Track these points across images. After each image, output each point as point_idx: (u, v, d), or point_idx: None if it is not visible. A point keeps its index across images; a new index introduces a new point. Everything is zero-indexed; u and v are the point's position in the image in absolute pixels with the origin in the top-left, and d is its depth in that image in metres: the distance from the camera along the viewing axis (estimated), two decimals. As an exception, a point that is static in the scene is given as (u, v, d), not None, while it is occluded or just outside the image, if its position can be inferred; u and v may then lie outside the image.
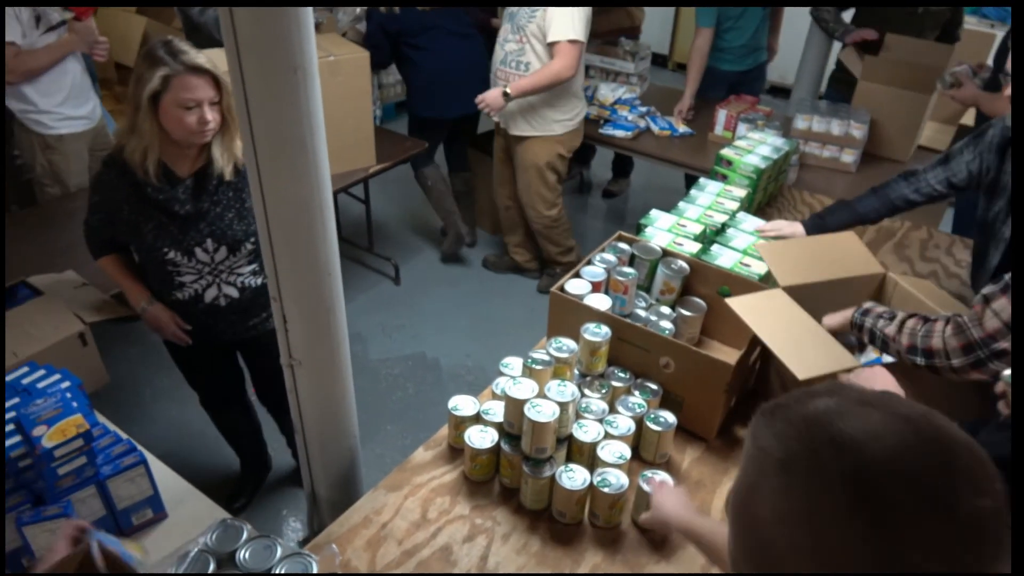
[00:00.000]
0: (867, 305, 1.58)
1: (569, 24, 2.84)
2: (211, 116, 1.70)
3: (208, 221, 1.82)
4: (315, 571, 1.14)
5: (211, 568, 1.14)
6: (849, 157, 3.10)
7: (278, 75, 1.11)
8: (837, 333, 1.61)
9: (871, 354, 1.64)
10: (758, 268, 1.92)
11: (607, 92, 3.70)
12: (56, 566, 1.00)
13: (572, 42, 2.86)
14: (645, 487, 1.40)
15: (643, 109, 3.60)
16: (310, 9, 1.10)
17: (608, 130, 3.47)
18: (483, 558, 1.39)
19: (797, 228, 2.10)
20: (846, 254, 1.89)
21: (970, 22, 4.70)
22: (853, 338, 1.62)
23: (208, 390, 2.28)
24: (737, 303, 1.64)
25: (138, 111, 1.68)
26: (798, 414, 0.58)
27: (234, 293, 1.92)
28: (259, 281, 1.94)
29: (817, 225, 2.08)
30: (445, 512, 1.48)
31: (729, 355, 1.68)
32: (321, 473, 1.66)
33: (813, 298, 1.67)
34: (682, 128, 3.50)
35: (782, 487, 0.56)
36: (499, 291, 3.77)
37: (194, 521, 1.48)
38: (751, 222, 2.16)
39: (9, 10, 2.44)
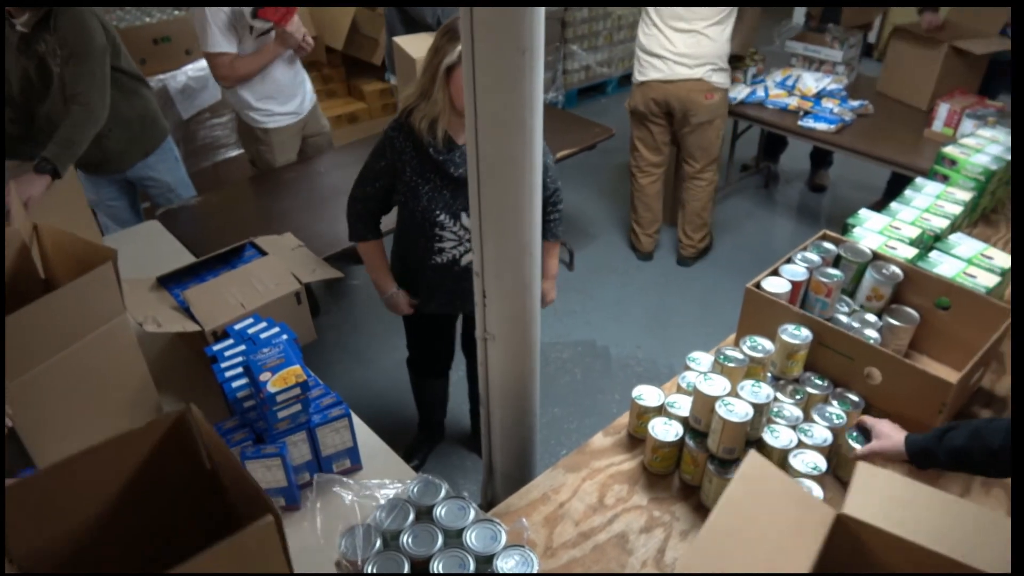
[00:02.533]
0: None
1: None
2: None
3: None
4: (504, 541, 1.18)
5: (411, 517, 1.22)
6: (1099, 162, 2.70)
7: (506, 55, 1.14)
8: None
9: None
10: (985, 280, 1.73)
11: (811, 82, 3.48)
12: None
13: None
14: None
15: (855, 104, 3.34)
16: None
17: (808, 122, 3.27)
18: (660, 551, 1.37)
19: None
20: None
21: None
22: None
23: (425, 355, 2.45)
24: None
25: (434, 81, 1.80)
26: None
27: None
28: None
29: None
30: (622, 500, 1.48)
31: (945, 373, 1.53)
32: (500, 446, 1.71)
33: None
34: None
35: None
36: (675, 285, 3.69)
37: (384, 475, 1.58)
38: (969, 245, 1.89)
39: (224, 22, 2.64)
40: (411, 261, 2.10)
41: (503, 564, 1.15)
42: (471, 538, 1.19)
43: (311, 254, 2.04)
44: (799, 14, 4.54)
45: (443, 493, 1.25)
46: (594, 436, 1.64)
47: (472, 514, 1.22)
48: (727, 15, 3.13)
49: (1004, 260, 1.82)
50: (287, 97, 2.97)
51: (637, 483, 1.51)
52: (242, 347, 1.67)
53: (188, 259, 2.24)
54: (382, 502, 1.25)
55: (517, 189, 1.30)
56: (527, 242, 1.38)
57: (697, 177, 3.53)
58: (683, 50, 3.18)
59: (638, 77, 3.36)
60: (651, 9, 3.21)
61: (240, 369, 1.57)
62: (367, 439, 1.69)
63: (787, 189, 4.54)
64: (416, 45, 2.95)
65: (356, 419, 1.70)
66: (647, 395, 1.57)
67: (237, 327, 1.74)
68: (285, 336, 1.68)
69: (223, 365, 1.60)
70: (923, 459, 1.36)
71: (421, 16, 3.31)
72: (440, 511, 1.23)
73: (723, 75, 3.26)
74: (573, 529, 1.41)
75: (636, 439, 1.60)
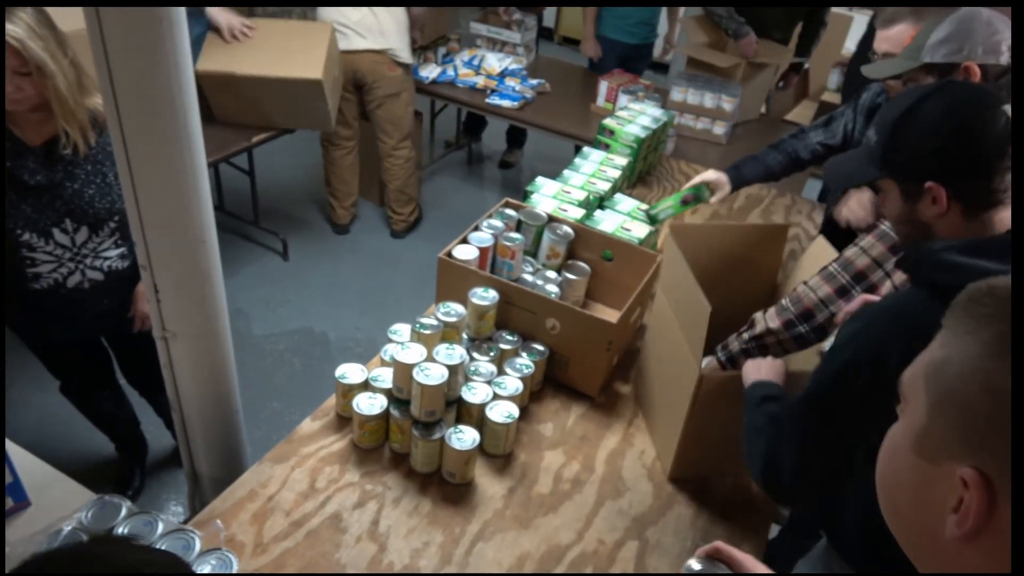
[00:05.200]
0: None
1: None
2: (14, 87, 1.51)
3: (65, 199, 1.68)
4: (199, 548, 1.10)
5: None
6: (720, 129, 3.26)
7: (140, 27, 1.04)
8: None
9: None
10: (639, 232, 2.00)
11: (494, 62, 3.70)
12: None
13: None
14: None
15: (534, 82, 3.63)
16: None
17: (494, 100, 3.48)
18: (374, 523, 1.39)
19: (721, 177, 2.17)
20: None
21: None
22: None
23: (73, 376, 2.13)
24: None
25: None
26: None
27: (99, 277, 1.80)
28: (127, 264, 1.83)
29: (736, 177, 2.18)
30: (334, 481, 1.47)
31: (612, 316, 1.75)
32: (202, 450, 1.60)
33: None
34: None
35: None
36: (388, 263, 3.73)
37: (62, 506, 1.39)
38: (627, 203, 2.20)
39: None
40: (9, 285, 1.75)
41: (199, 571, 1.08)
42: (161, 552, 1.10)
43: (-62, 265, 1.71)
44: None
45: (124, 512, 1.14)
46: (302, 423, 1.60)
47: (160, 527, 1.13)
48: None
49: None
50: None
51: (348, 461, 1.51)
52: None
53: None
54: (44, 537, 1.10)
55: (178, 173, 1.21)
56: (199, 227, 1.29)
57: (393, 154, 3.61)
58: (360, 21, 3.25)
59: None
60: None
61: None
62: (35, 470, 1.47)
63: (490, 165, 4.82)
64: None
65: (18, 450, 1.48)
66: (350, 373, 1.57)
67: None
68: (-95, 366, 1.39)
69: None
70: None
71: None
72: (122, 531, 1.12)
73: (405, 50, 3.39)
74: (284, 520, 1.37)
75: (344, 418, 1.60)
